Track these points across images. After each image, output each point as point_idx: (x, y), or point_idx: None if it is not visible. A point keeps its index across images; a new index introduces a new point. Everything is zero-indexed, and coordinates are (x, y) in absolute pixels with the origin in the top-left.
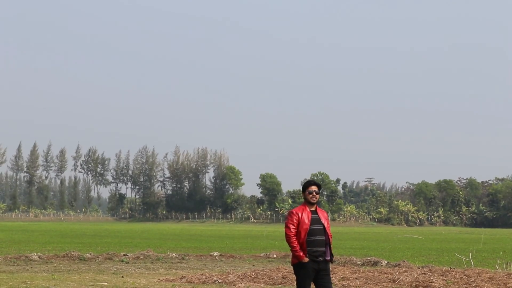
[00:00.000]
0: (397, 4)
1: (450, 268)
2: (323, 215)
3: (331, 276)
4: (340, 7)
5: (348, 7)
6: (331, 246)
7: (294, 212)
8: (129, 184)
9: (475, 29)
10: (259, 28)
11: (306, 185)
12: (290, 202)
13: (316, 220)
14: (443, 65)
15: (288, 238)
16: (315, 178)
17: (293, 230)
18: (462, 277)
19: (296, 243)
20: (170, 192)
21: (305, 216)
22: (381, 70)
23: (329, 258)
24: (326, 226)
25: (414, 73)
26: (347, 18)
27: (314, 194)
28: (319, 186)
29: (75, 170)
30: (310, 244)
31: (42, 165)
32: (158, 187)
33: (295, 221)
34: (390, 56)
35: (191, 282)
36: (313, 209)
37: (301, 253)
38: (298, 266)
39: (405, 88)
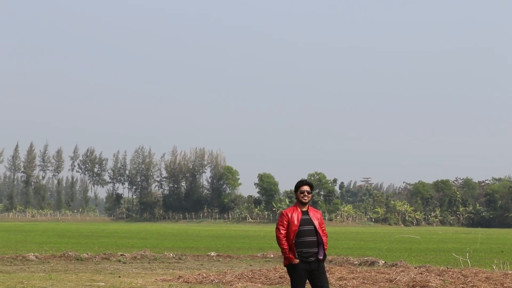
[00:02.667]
0: (395, 7)
1: (447, 268)
2: (315, 215)
3: (328, 275)
4: (339, 8)
5: (346, 8)
6: (325, 245)
7: (285, 213)
8: (126, 184)
9: (471, 31)
10: (258, 28)
11: (298, 184)
12: (288, 202)
13: (306, 221)
14: (440, 66)
15: (278, 240)
16: (312, 178)
17: (282, 232)
18: (459, 277)
19: (286, 244)
20: (167, 192)
21: (295, 217)
22: (379, 71)
23: (322, 257)
24: (317, 227)
25: (412, 74)
26: (347, 19)
27: (306, 194)
28: (311, 186)
29: (72, 170)
30: (300, 245)
31: (39, 165)
32: (155, 187)
33: (285, 222)
34: (388, 57)
35: (188, 282)
36: (305, 209)
37: (291, 255)
38: (289, 267)
39: (402, 89)
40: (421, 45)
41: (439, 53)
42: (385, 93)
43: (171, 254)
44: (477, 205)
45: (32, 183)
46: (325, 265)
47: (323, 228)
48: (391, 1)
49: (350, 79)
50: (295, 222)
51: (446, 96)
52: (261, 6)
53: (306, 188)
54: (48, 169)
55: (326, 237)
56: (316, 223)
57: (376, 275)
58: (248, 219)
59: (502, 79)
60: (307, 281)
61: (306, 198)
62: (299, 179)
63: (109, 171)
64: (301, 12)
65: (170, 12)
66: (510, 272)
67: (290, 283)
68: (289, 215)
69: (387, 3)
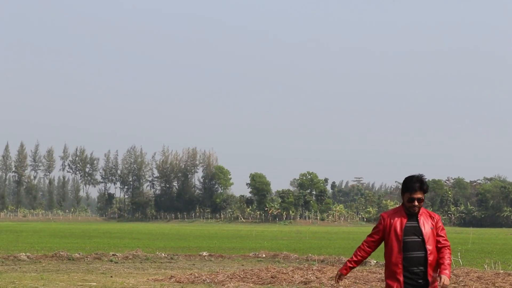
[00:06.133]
0: (390, 9)
1: None
2: (426, 222)
3: (319, 275)
4: (337, 9)
5: (344, 9)
6: (445, 260)
7: (383, 217)
8: (118, 184)
9: (464, 32)
10: (252, 28)
11: (407, 185)
12: (280, 202)
13: (412, 230)
14: (432, 67)
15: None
16: (304, 178)
17: (368, 238)
18: (450, 277)
19: (355, 255)
20: (159, 192)
21: (398, 224)
22: (371, 71)
23: (431, 279)
24: (426, 238)
25: (404, 75)
26: (344, 19)
27: (416, 203)
28: (424, 190)
29: (63, 170)
30: (407, 263)
31: (30, 165)
32: (147, 187)
33: (380, 227)
34: (380, 58)
35: (180, 282)
36: (414, 213)
37: (343, 269)
38: None
39: (395, 89)
40: (416, 46)
41: (433, 53)
42: (378, 93)
43: (163, 254)
44: (469, 204)
45: (24, 183)
46: (317, 265)
47: (442, 237)
48: (387, 3)
49: (344, 79)
50: (398, 230)
51: (439, 97)
52: (258, 6)
53: (417, 195)
54: (40, 169)
55: (448, 249)
56: (426, 232)
57: (368, 274)
58: (240, 219)
59: (495, 79)
60: None
61: (415, 208)
62: (408, 175)
63: (101, 171)
64: (298, 12)
65: (164, 11)
66: (501, 271)
67: None
68: (389, 220)
69: (383, 5)
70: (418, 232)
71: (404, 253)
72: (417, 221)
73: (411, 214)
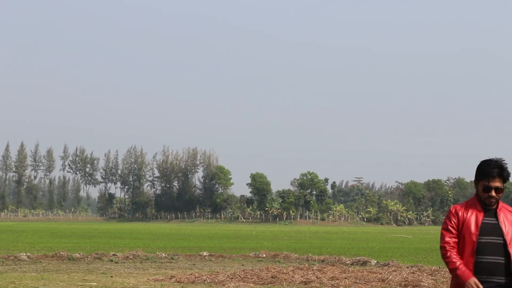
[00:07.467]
0: (391, 8)
1: (439, 268)
2: (507, 219)
3: (319, 275)
4: (336, 9)
5: (344, 9)
6: None
7: (454, 210)
8: (118, 184)
9: (464, 32)
10: (253, 28)
11: (483, 171)
12: (280, 202)
13: (491, 228)
14: (433, 67)
15: (442, 255)
16: (304, 178)
17: (448, 240)
18: (451, 277)
19: (455, 256)
20: (159, 192)
21: (472, 220)
22: (371, 71)
23: None
24: (508, 240)
25: (403, 75)
26: (345, 19)
27: (494, 194)
28: (504, 178)
29: (63, 170)
30: (477, 269)
31: (31, 165)
32: (147, 186)
33: (453, 224)
34: (382, 58)
35: (180, 282)
36: (490, 207)
37: (464, 269)
38: None
39: (395, 89)
40: (416, 46)
41: (433, 53)
42: (378, 93)
43: (163, 254)
44: None
45: (24, 183)
46: (318, 265)
47: None
48: (388, 2)
49: (344, 79)
50: (472, 228)
51: (438, 97)
52: (258, 6)
53: (495, 183)
54: (40, 169)
55: None
56: (508, 232)
57: (368, 274)
58: (240, 218)
59: (495, 79)
60: None
61: (492, 199)
62: (484, 159)
63: (101, 170)
64: (298, 12)
65: (165, 11)
66: None
67: None
68: (461, 215)
69: (385, 4)
70: (498, 231)
71: (477, 256)
72: (496, 217)
73: (488, 208)
